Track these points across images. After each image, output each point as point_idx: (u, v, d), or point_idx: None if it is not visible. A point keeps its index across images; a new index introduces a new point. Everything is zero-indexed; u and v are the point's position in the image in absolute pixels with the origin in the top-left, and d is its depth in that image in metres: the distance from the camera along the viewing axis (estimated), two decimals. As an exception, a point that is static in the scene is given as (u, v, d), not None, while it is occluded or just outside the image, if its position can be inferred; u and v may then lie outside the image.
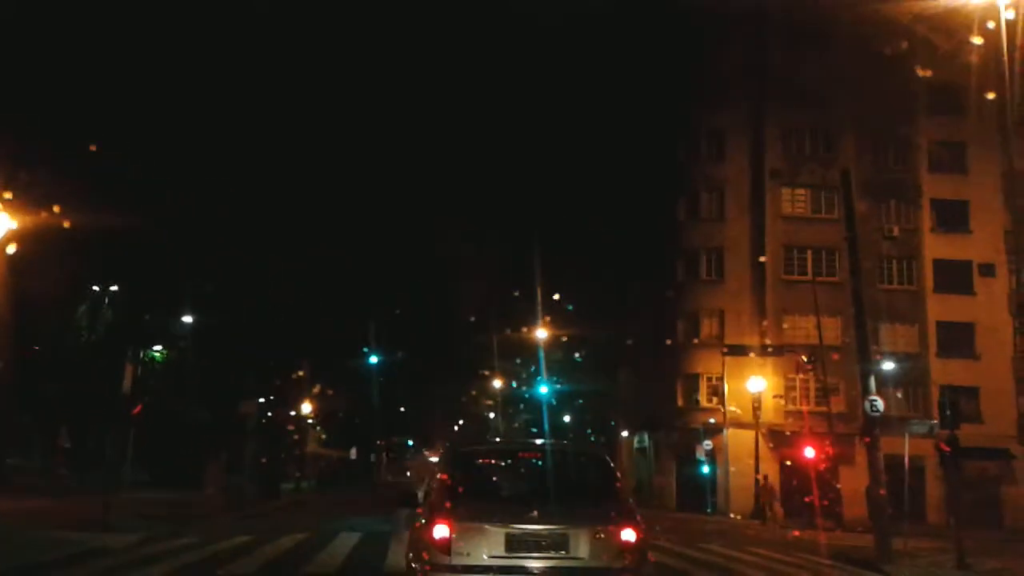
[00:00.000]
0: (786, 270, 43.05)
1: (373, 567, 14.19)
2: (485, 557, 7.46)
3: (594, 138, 52.56)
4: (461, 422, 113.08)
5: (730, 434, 40.79)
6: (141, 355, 33.86)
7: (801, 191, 43.72)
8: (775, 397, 41.10)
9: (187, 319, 34.87)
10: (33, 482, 31.30)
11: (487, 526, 7.55)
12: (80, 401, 35.71)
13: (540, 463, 8.97)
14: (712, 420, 41.21)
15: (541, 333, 51.08)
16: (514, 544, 7.49)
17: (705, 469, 40.27)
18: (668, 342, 44.06)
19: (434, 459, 70.26)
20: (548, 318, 51.31)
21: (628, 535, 7.69)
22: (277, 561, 14.70)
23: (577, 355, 55.62)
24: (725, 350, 38.36)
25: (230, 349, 36.17)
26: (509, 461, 9.35)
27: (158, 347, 35.40)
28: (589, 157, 51.20)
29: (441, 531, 7.51)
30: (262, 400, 45.03)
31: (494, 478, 8.86)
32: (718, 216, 44.16)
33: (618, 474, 8.73)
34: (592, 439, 55.84)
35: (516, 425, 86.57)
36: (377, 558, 15.09)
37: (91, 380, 34.72)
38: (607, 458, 9.05)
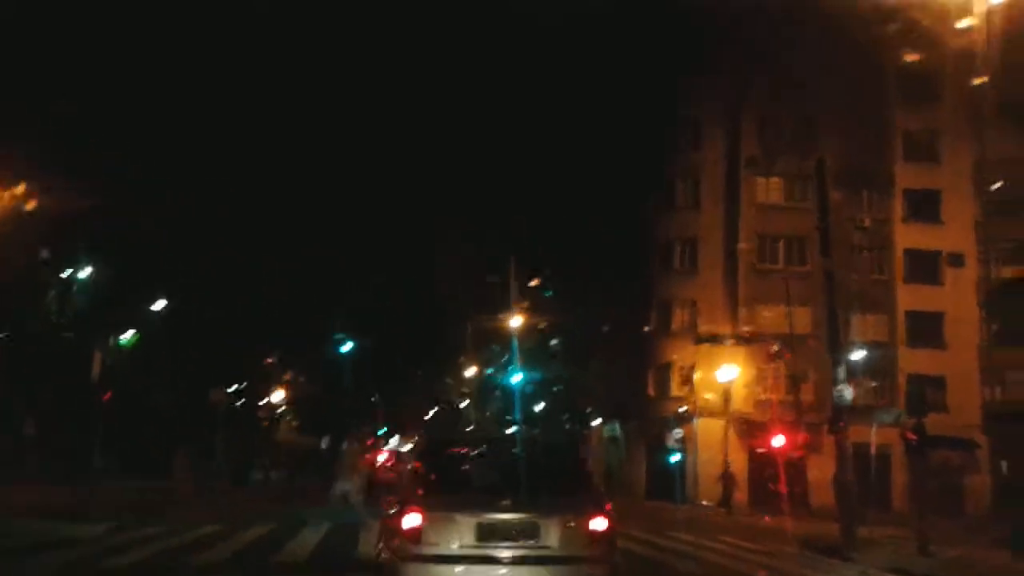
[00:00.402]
0: (759, 259, 43.49)
1: (344, 555, 14.32)
2: (455, 547, 7.50)
3: (571, 127, 52.69)
4: (435, 410, 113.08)
5: (700, 423, 41.24)
6: (110, 342, 33.64)
7: (776, 180, 44.15)
8: (746, 386, 41.57)
9: (157, 307, 34.65)
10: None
11: (457, 516, 7.57)
12: (48, 387, 35.55)
13: (511, 453, 9.05)
14: (683, 409, 41.59)
15: (515, 321, 51.20)
16: (485, 533, 7.52)
17: (675, 458, 40.59)
18: (641, 331, 44.40)
19: (406, 447, 70.40)
20: (523, 305, 51.51)
21: (598, 524, 7.78)
22: (247, 550, 14.81)
23: (551, 344, 55.80)
24: (702, 339, 38.61)
25: (200, 337, 36.01)
26: (480, 451, 9.30)
27: (127, 334, 35.14)
28: (565, 147, 51.31)
29: (411, 520, 7.54)
30: (232, 389, 45.02)
31: (465, 468, 8.81)
32: (693, 205, 44.52)
33: (588, 463, 8.88)
34: (566, 427, 56.22)
35: (489, 413, 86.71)
36: (348, 547, 15.23)
37: (59, 366, 34.59)
38: (578, 447, 9.34)
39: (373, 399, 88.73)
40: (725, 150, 44.50)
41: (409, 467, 9.26)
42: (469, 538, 7.50)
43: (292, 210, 45.54)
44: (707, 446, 40.49)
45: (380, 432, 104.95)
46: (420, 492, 7.93)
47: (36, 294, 37.54)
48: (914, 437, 20.36)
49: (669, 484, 41.16)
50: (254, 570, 12.73)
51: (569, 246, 51.82)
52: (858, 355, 36.39)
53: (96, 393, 20.42)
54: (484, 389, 74.68)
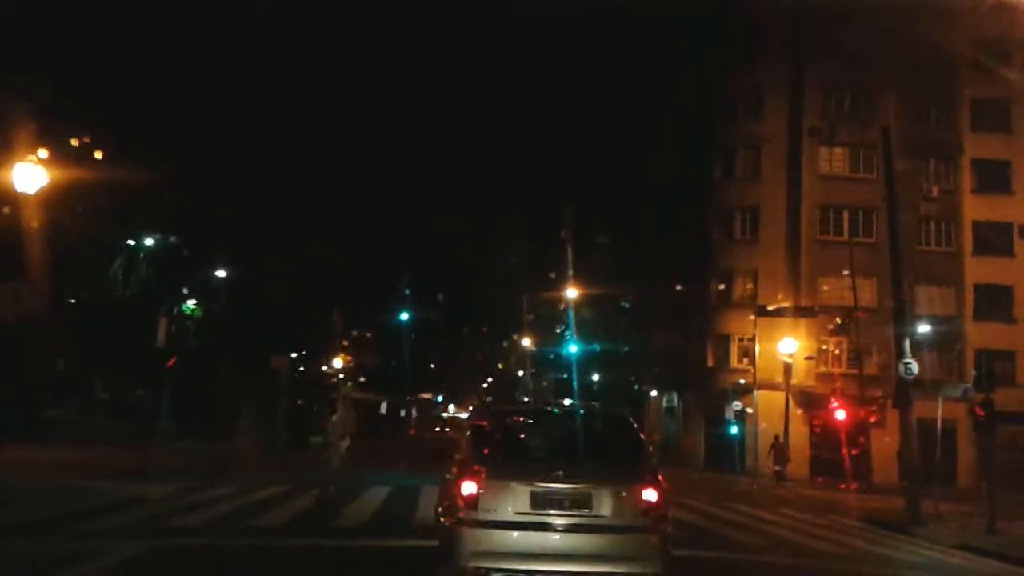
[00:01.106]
0: (822, 230, 42.57)
1: (403, 520, 14.40)
2: (511, 513, 7.66)
3: (630, 98, 52.11)
4: (491, 379, 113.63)
5: (760, 395, 40.67)
6: (175, 310, 34.22)
7: (839, 150, 43.07)
8: (807, 359, 40.86)
9: (221, 273, 35.16)
10: (72, 433, 31.95)
11: (513, 484, 7.73)
12: (117, 354, 36.37)
13: (566, 423, 9.30)
14: (742, 381, 41.10)
15: (571, 292, 51.06)
16: (539, 501, 7.68)
17: (734, 429, 40.24)
18: (701, 302, 43.89)
19: (463, 416, 70.88)
20: (579, 278, 51.28)
21: (650, 495, 7.86)
22: (308, 513, 14.97)
23: (607, 314, 55.43)
24: (763, 310, 37.96)
25: (264, 305, 36.53)
26: (536, 421, 9.54)
27: (192, 301, 35.71)
28: (624, 118, 50.75)
29: (469, 487, 7.71)
30: (294, 355, 45.60)
31: (521, 437, 9.01)
32: (754, 175, 43.67)
33: (642, 435, 8.81)
34: (619, 399, 56.06)
35: (545, 384, 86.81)
36: (407, 511, 15.34)
37: (127, 333, 35.33)
38: (632, 419, 9.11)
39: (432, 367, 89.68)
40: (787, 119, 43.51)
41: (466, 435, 9.09)
42: (524, 505, 7.66)
43: (355, 183, 45.81)
44: (767, 418, 39.95)
45: (439, 400, 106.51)
46: (477, 461, 8.08)
47: (104, 262, 38.41)
48: (983, 413, 19.83)
49: (727, 455, 40.93)
50: (314, 533, 12.83)
51: (628, 216, 51.38)
52: (924, 329, 35.47)
53: (162, 359, 20.73)
54: (541, 359, 74.67)
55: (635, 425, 8.94)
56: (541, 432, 9.07)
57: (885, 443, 37.42)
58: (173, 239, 35.11)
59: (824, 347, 41.77)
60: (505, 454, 8.38)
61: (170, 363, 21.67)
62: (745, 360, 42.14)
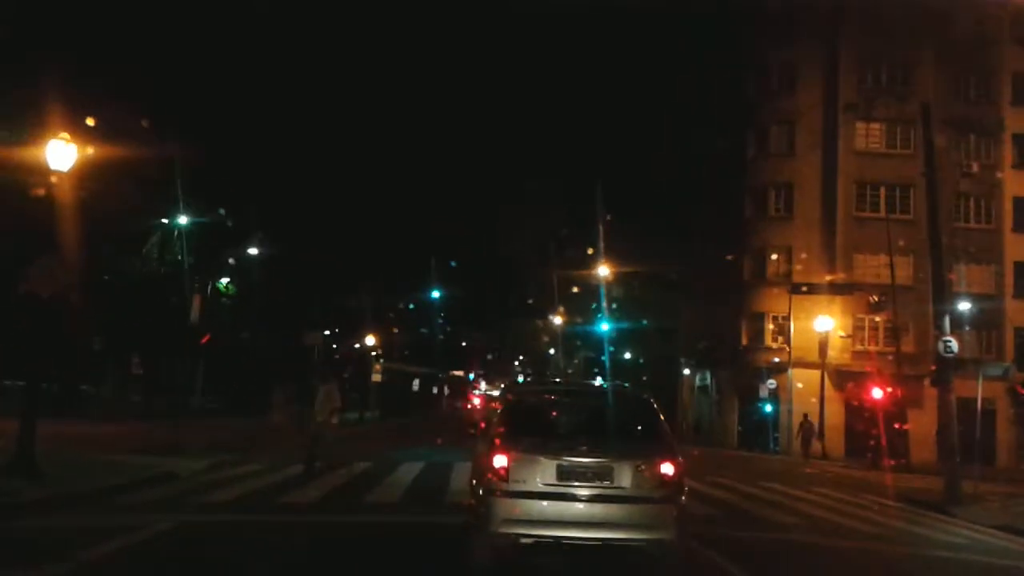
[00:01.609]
0: (858, 207, 41.85)
1: (435, 496, 14.28)
2: (539, 484, 8.20)
3: (661, 73, 51.45)
4: (521, 358, 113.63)
5: (795, 374, 40.21)
6: (210, 287, 34.38)
7: (876, 125, 42.22)
8: (844, 336, 40.33)
9: (254, 251, 35.18)
10: (106, 408, 32.28)
11: (540, 457, 8.27)
12: (151, 330, 36.61)
13: (590, 402, 10.06)
14: (777, 359, 40.63)
15: (603, 270, 50.71)
16: (564, 474, 8.21)
17: (768, 408, 39.84)
18: (734, 279, 43.37)
19: (494, 393, 70.83)
20: (613, 256, 50.92)
21: (667, 469, 8.38)
22: (340, 489, 14.89)
23: (639, 292, 55.05)
24: (798, 288, 37.36)
25: (297, 283, 36.57)
26: (562, 399, 10.11)
27: (226, 279, 35.82)
28: (658, 94, 50.12)
29: (500, 460, 8.26)
30: (327, 333, 45.72)
31: (548, 414, 9.44)
32: (788, 151, 42.96)
33: (660, 414, 9.25)
34: (651, 377, 55.71)
35: (576, 361, 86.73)
36: (439, 487, 15.22)
37: (162, 309, 35.55)
38: (651, 399, 9.63)
39: (464, 344, 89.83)
40: (822, 94, 42.68)
41: (498, 412, 9.60)
42: (550, 477, 8.20)
43: (388, 165, 45.61)
44: (801, 397, 39.51)
45: (471, 377, 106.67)
46: (506, 436, 8.57)
47: (141, 239, 38.63)
48: (1025, 391, 19.38)
49: (761, 434, 40.60)
50: (346, 510, 12.75)
51: (662, 193, 50.86)
52: (964, 307, 34.78)
53: (196, 335, 20.74)
54: (572, 337, 74.54)
55: (655, 405, 9.41)
56: (566, 410, 9.61)
57: (922, 422, 36.93)
58: (219, 213, 34.91)
59: (860, 325, 41.16)
60: (533, 430, 8.79)
61: (204, 339, 21.67)
62: (780, 338, 41.67)
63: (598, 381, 74.40)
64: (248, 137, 36.79)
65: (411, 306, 52.10)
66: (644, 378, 57.99)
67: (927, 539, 13.83)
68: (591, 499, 8.19)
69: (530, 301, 71.93)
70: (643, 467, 8.34)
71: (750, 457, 35.81)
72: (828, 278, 40.55)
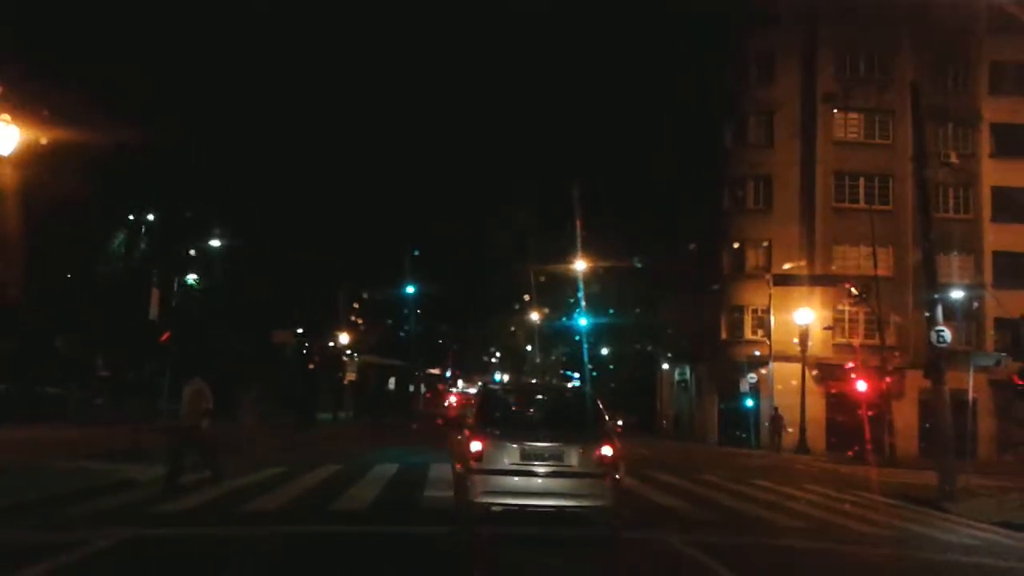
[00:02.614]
0: (837, 198, 41.19)
1: (409, 501, 13.24)
2: (506, 463, 10.18)
3: (636, 65, 50.59)
4: (498, 355, 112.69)
5: (775, 367, 39.47)
6: (176, 283, 33.04)
7: (854, 115, 41.56)
8: (824, 329, 39.64)
9: (217, 243, 33.73)
10: (71, 411, 30.93)
11: (507, 443, 10.24)
12: (116, 330, 35.23)
13: (547, 398, 13.11)
14: (757, 352, 39.87)
15: (580, 265, 49.75)
16: (526, 455, 10.18)
17: (749, 403, 39.08)
18: (713, 272, 42.58)
19: (471, 390, 69.73)
20: (589, 250, 50.02)
21: (606, 451, 10.26)
22: (306, 495, 13.80)
23: (617, 287, 54.11)
24: (781, 279, 36.53)
25: (266, 278, 35.20)
26: (525, 396, 13.32)
27: (193, 276, 34.50)
28: (631, 85, 49.21)
29: (476, 446, 10.21)
30: (301, 331, 44.50)
31: (513, 408, 11.95)
32: (767, 142, 42.22)
33: (602, 408, 11.28)
34: (629, 372, 54.90)
35: (553, 358, 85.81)
36: (414, 491, 14.19)
37: (127, 309, 34.22)
38: (595, 398, 11.87)
39: (440, 342, 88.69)
40: (800, 84, 41.98)
41: (475, 406, 11.92)
42: (515, 458, 10.16)
43: (359, 157, 44.35)
44: (782, 391, 38.80)
45: (447, 375, 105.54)
46: (481, 426, 10.59)
47: (102, 238, 37.18)
48: (1022, 382, 18.61)
49: (742, 429, 39.82)
50: (310, 519, 11.67)
51: (638, 186, 49.96)
52: (958, 295, 34.13)
53: (155, 332, 19.54)
54: (549, 333, 73.59)
55: (598, 403, 11.52)
56: (528, 405, 12.31)
57: (904, 414, 36.39)
58: (186, 206, 33.38)
59: (840, 317, 40.50)
60: (502, 421, 10.98)
61: (164, 337, 20.44)
62: (760, 332, 40.92)
63: (575, 378, 74.16)
64: (219, 127, 35.47)
65: (386, 304, 50.75)
66: (615, 377, 57.25)
67: (932, 540, 12.95)
68: (547, 475, 10.15)
69: (507, 297, 70.79)
70: (587, 450, 10.24)
71: (733, 453, 35.02)
72: (808, 270, 39.89)
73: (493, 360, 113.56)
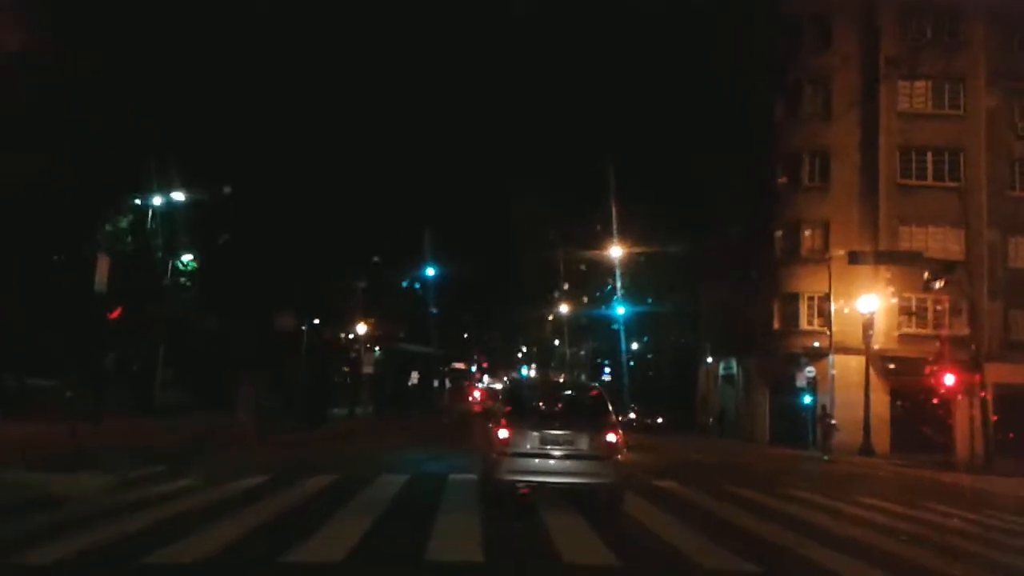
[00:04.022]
0: (902, 174, 36.41)
1: (410, 550, 8.60)
2: (528, 448, 11.65)
3: (675, 31, 45.91)
4: (524, 349, 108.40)
5: (835, 360, 34.88)
6: (169, 265, 29.02)
7: (921, 83, 36.79)
8: (888, 319, 34.98)
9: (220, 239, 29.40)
10: (51, 406, 26.95)
11: (529, 430, 11.74)
12: (56, 306, 31.18)
13: (562, 393, 15.23)
14: (817, 344, 35.19)
15: (616, 251, 45.36)
16: (545, 441, 11.69)
17: (807, 399, 34.44)
18: (764, 258, 37.93)
19: (497, 386, 65.47)
20: (624, 236, 45.60)
21: (611, 438, 11.84)
22: (261, 532, 9.15)
23: (654, 275, 49.42)
24: (856, 257, 31.68)
25: (271, 258, 30.79)
26: (544, 391, 16.06)
27: (188, 256, 30.39)
28: (668, 55, 44.56)
29: (503, 433, 11.75)
30: (317, 321, 40.42)
31: (534, 402, 13.48)
32: (823, 114, 37.44)
33: (608, 403, 12.73)
34: (667, 367, 50.35)
35: (583, 352, 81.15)
36: (418, 530, 9.48)
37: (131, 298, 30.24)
38: (604, 393, 13.39)
39: (465, 336, 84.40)
40: (860, 50, 37.22)
41: (500, 400, 15.13)
42: (535, 443, 11.66)
43: (378, 136, 39.91)
44: (842, 386, 34.16)
45: (472, 370, 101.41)
46: (507, 417, 12.10)
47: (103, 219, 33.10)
48: None
49: (797, 428, 35.19)
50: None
51: (675, 167, 45.30)
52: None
53: (101, 308, 15.46)
54: (579, 327, 69.06)
55: (605, 395, 13.17)
56: (547, 399, 13.88)
57: (974, 414, 31.69)
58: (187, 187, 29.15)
59: (906, 306, 35.82)
60: (524, 413, 12.49)
61: (114, 314, 16.29)
62: (817, 320, 36.27)
63: (606, 372, 69.59)
64: (226, 103, 31.30)
65: (407, 295, 46.34)
66: (651, 371, 52.69)
67: None
68: (562, 457, 11.67)
69: (535, 288, 66.15)
70: (595, 437, 11.77)
71: (793, 455, 30.44)
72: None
73: (519, 355, 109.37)
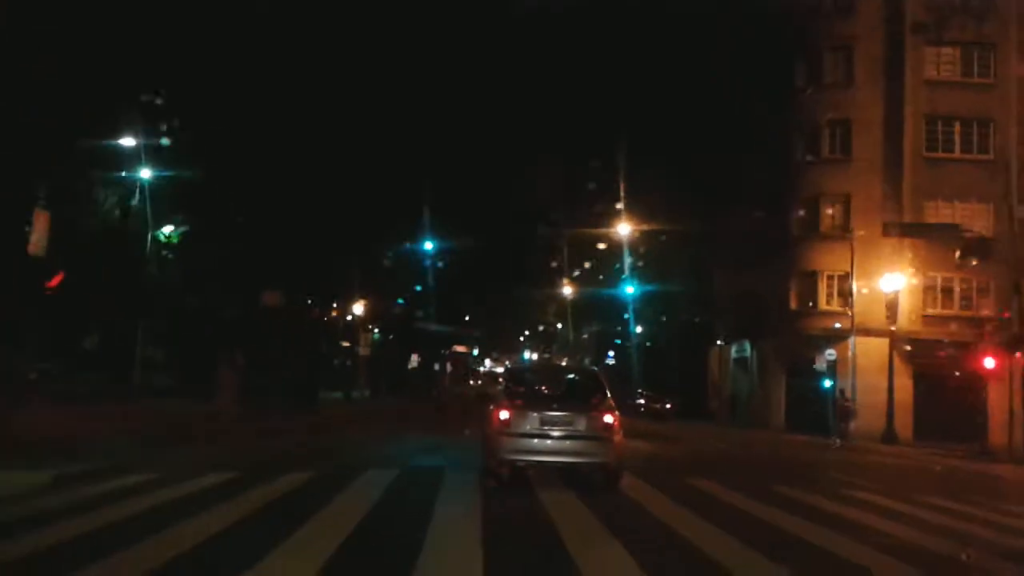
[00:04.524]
0: (928, 146, 34.12)
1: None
2: (528, 428, 11.86)
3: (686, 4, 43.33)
4: (527, 332, 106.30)
5: (857, 342, 32.74)
6: (148, 235, 26.81)
7: (948, 49, 34.45)
8: (912, 299, 32.81)
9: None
10: (57, 391, 24.86)
11: (529, 412, 11.99)
12: (109, 297, 29.01)
13: (561, 375, 16.28)
14: (838, 324, 33.00)
15: (624, 228, 43.13)
16: (545, 421, 11.90)
17: (827, 383, 32.31)
18: (780, 235, 35.71)
19: (499, 369, 63.50)
20: (630, 213, 43.33)
21: (608, 419, 11.99)
22: (200, 552, 7.10)
23: (660, 254, 47.03)
24: (893, 227, 29.40)
25: (260, 231, 28.34)
26: (543, 374, 18.04)
27: (170, 227, 28.15)
28: (677, 22, 41.95)
29: (504, 415, 11.95)
30: (310, 300, 38.22)
31: (534, 385, 14.12)
32: (845, 81, 35.10)
33: (606, 385, 13.09)
34: (673, 351, 48.19)
35: (585, 336, 78.92)
36: (403, 545, 7.39)
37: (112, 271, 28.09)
38: (600, 376, 14.01)
39: (468, 319, 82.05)
40: (885, 14, 34.85)
41: (501, 383, 15.54)
42: (536, 424, 11.87)
43: (377, 110, 37.23)
44: (863, 370, 32.05)
45: (474, 354, 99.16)
46: (508, 399, 12.51)
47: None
48: None
49: (816, 415, 33.06)
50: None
51: (683, 140, 42.87)
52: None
53: (39, 275, 13.27)
54: (583, 309, 66.77)
55: (602, 380, 13.46)
56: (546, 381, 14.81)
57: (1005, 398, 29.58)
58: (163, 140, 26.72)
59: (931, 284, 33.67)
60: (525, 395, 12.98)
61: (53, 281, 14.08)
62: (836, 301, 34.08)
63: (610, 356, 67.42)
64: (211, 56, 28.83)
65: (405, 273, 43.82)
66: (658, 354, 50.53)
67: None
68: (560, 437, 11.85)
69: (537, 270, 63.73)
70: (592, 418, 11.97)
71: (815, 444, 28.32)
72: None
73: (522, 338, 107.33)
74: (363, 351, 38.49)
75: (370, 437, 20.24)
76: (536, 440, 11.76)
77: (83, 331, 33.66)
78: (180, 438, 17.04)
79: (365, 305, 38.84)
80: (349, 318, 41.86)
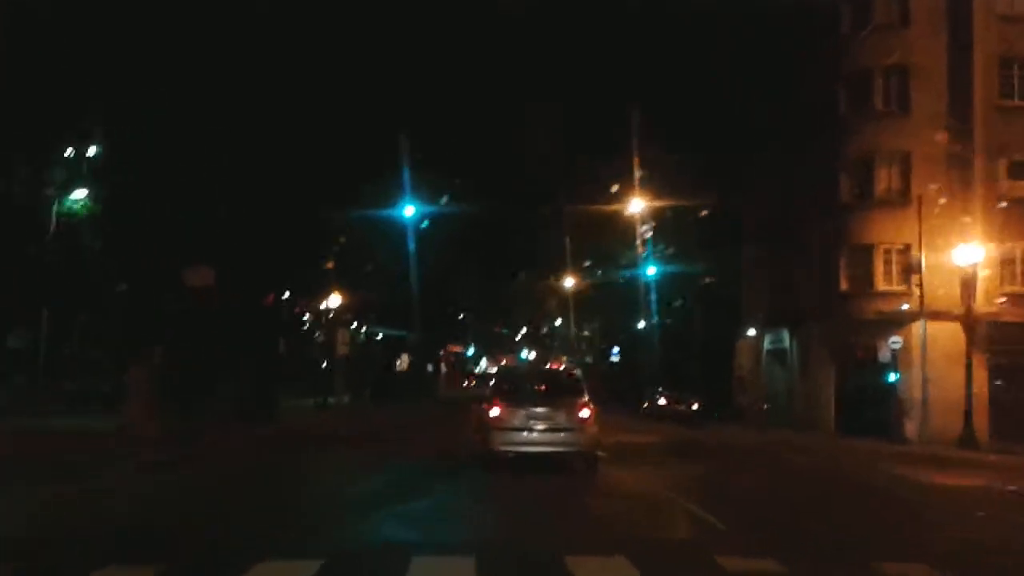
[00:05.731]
0: (1003, 93, 28.30)
1: None
2: (515, 423, 14.13)
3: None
4: (525, 329, 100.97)
5: (916, 328, 27.02)
6: (55, 208, 21.02)
7: (1027, -21, 28.68)
8: (986, 277, 27.06)
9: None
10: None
11: (517, 408, 14.26)
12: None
13: (545, 376, 17.76)
14: (906, 306, 27.22)
15: (636, 205, 37.30)
16: (530, 416, 14.20)
17: (891, 377, 26.56)
18: (825, 204, 29.88)
19: (493, 370, 58.32)
20: (646, 188, 37.56)
21: (584, 413, 14.38)
22: None
23: (677, 233, 41.13)
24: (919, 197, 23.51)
25: (193, 198, 22.09)
26: (530, 375, 19.69)
27: (82, 192, 22.27)
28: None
29: (495, 411, 14.30)
30: (288, 294, 32.40)
31: (521, 384, 15.94)
32: (900, 21, 29.21)
33: (583, 384, 15.53)
34: (696, 342, 42.37)
35: (587, 332, 73.27)
36: None
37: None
38: (580, 376, 16.53)
39: (461, 317, 76.33)
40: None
41: (492, 384, 16.94)
42: (523, 419, 14.16)
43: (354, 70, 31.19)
44: (932, 360, 26.34)
45: (468, 354, 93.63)
46: (498, 396, 14.71)
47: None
48: None
49: (876, 414, 27.30)
50: None
51: (703, 101, 36.93)
52: None
53: None
54: (585, 304, 60.83)
55: (580, 378, 16.15)
56: (533, 380, 16.60)
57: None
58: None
59: (1010, 258, 27.98)
60: (513, 393, 14.99)
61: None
62: (896, 279, 28.31)
63: (614, 353, 61.92)
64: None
65: (388, 261, 37.44)
66: (676, 347, 44.72)
67: None
68: (544, 430, 14.14)
69: (535, 260, 57.78)
70: (570, 412, 14.30)
71: (863, 449, 22.64)
72: (963, 194, 27.27)
73: (518, 338, 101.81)
74: (341, 350, 32.58)
75: (321, 464, 14.70)
76: (524, 433, 14.14)
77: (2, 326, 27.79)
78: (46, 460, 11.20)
79: (344, 297, 32.88)
80: (323, 307, 35.81)
